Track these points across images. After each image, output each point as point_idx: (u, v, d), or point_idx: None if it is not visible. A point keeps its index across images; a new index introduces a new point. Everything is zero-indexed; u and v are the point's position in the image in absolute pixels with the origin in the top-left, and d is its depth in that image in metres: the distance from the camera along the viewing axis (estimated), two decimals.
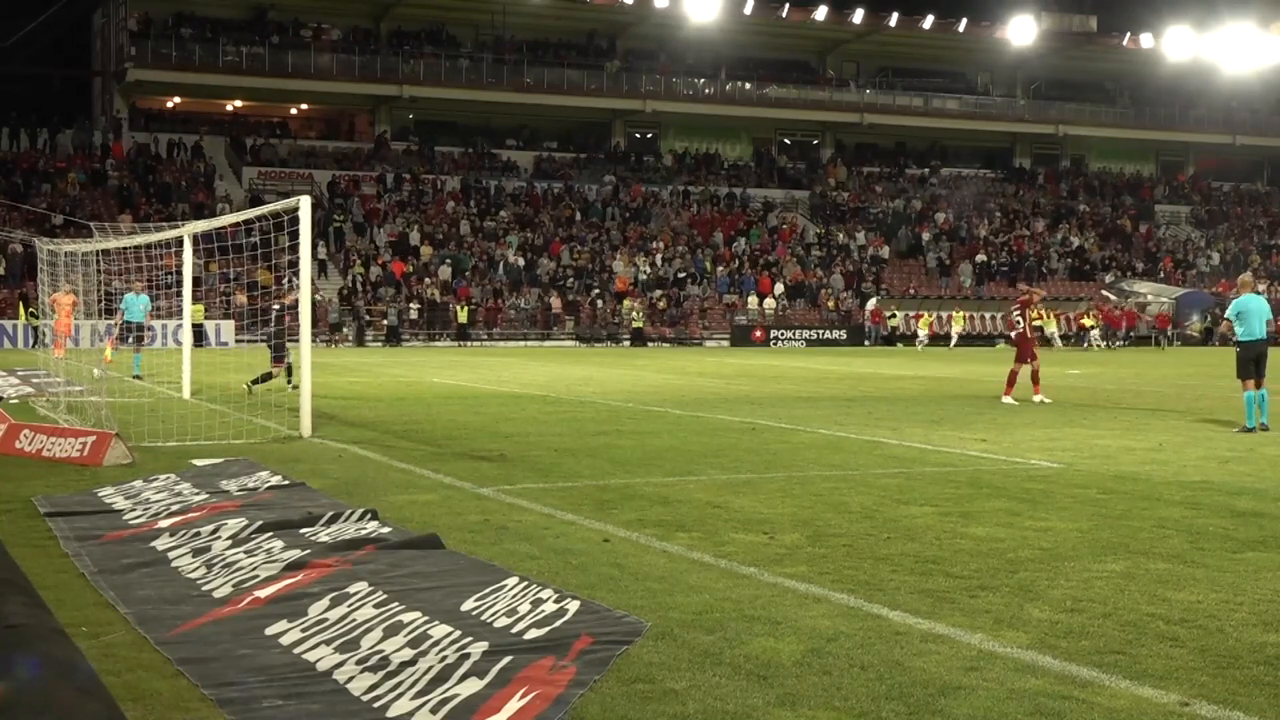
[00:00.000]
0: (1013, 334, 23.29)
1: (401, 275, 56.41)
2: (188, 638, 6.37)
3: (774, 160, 75.11)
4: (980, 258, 67.75)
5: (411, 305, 54.59)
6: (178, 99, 66.83)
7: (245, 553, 8.19)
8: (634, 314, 55.56)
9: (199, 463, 12.59)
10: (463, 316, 53.57)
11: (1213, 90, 78.02)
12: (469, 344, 52.27)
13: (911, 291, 62.81)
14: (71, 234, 35.92)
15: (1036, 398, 21.74)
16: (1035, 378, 22.14)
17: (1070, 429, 17.18)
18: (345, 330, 53.00)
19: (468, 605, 6.82)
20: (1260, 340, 17.39)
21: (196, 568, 7.90)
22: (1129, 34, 77.07)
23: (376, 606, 6.79)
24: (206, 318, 45.99)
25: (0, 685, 2.81)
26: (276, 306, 22.72)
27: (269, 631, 6.46)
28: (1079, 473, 12.53)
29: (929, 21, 72.76)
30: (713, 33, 69.04)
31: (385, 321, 52.64)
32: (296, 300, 18.37)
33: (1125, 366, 37.36)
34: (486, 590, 7.09)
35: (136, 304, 24.90)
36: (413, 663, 5.87)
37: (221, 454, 13.37)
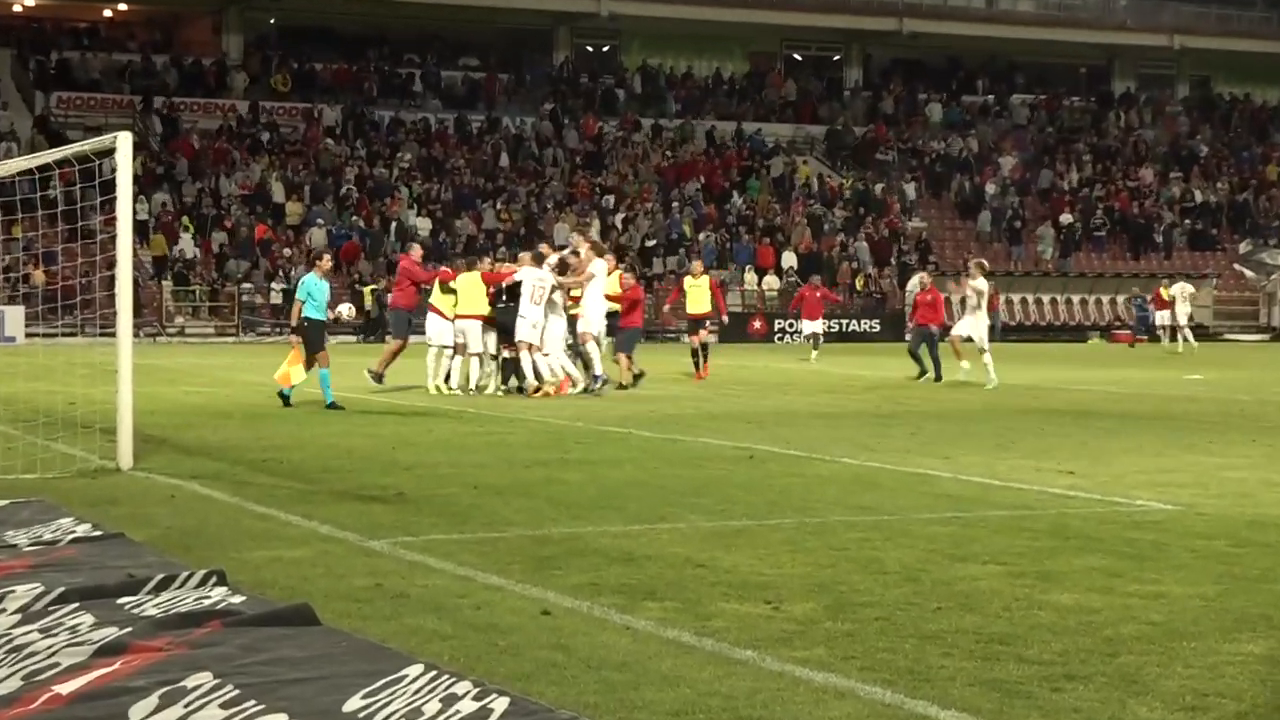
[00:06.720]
0: None
1: (260, 242, 56.20)
2: None
3: (779, 84, 75.21)
4: (1065, 218, 67.92)
5: (274, 285, 54.35)
6: None
7: (40, 631, 8.13)
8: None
9: None
10: (368, 302, 52.88)
11: None
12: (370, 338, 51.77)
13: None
14: None
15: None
16: None
17: (1190, 456, 17.27)
18: (180, 320, 52.92)
19: (353, 705, 6.79)
20: None
21: None
22: None
23: (224, 707, 6.75)
24: None
25: None
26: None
27: None
28: (1202, 517, 12.60)
29: None
30: None
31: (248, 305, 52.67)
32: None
33: (1266, 369, 37.66)
34: (379, 683, 7.06)
35: (319, 289, 24.02)
36: None
37: (7, 494, 13.27)
